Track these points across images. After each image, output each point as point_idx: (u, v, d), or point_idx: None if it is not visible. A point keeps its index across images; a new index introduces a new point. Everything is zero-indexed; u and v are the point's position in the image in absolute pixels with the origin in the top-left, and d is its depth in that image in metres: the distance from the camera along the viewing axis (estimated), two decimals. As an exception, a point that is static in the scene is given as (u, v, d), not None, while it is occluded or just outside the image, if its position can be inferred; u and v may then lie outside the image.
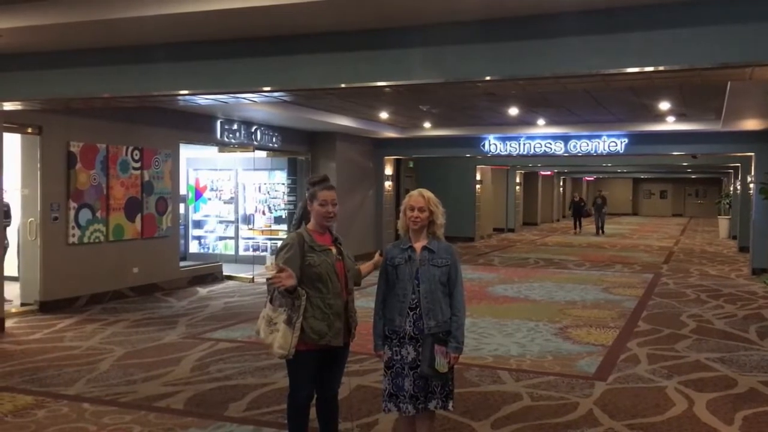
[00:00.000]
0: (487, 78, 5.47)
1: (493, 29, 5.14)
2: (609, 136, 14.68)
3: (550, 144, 15.29)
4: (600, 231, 25.00)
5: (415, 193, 3.78)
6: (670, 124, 13.55)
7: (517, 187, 26.70)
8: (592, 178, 43.83)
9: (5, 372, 6.10)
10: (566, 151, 15.23)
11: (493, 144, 15.61)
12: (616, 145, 14.77)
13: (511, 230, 25.54)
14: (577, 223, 25.95)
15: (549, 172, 31.79)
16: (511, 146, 15.55)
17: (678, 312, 9.38)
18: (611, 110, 12.42)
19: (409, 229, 3.75)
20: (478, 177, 21.44)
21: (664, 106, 11.56)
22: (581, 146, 15.04)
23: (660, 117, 13.02)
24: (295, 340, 3.61)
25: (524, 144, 15.43)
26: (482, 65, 5.33)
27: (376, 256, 3.93)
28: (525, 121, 14.02)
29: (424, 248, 3.71)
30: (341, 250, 3.86)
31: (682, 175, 39.16)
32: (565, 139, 15.09)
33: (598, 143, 14.86)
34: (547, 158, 18.78)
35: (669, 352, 7.05)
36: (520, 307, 9.65)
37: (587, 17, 4.90)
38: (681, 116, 12.84)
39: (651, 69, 5.01)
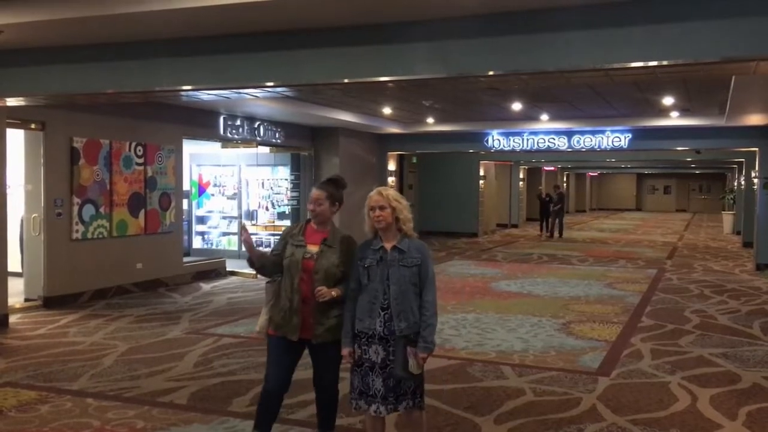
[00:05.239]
0: (491, 73, 5.45)
1: (496, 23, 5.12)
2: (613, 131, 14.65)
3: (554, 139, 15.27)
4: (558, 233, 21.18)
5: (374, 192, 3.71)
6: (674, 119, 13.51)
7: (521, 183, 26.66)
8: (596, 174, 43.77)
9: (9, 367, 6.12)
10: (570, 146, 15.21)
11: (496, 139, 15.59)
12: (620, 141, 14.75)
13: (515, 226, 25.51)
14: (545, 224, 21.79)
15: (553, 168, 31.75)
16: (514, 141, 15.52)
17: (682, 307, 9.36)
18: (615, 105, 12.39)
19: (378, 230, 3.68)
20: (481, 172, 21.42)
21: (668, 101, 11.52)
22: (585, 141, 15.02)
23: (664, 112, 12.99)
24: (263, 321, 3.95)
25: (528, 139, 15.41)
26: (485, 60, 5.31)
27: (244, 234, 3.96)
28: (528, 116, 14.00)
29: (395, 248, 3.64)
30: (323, 251, 3.84)
31: (686, 171, 39.09)
32: (569, 134, 15.07)
33: (602, 138, 14.83)
34: (551, 153, 18.76)
35: (672, 348, 7.04)
36: (524, 303, 9.65)
37: (591, 11, 4.87)
38: (685, 111, 12.80)
39: (655, 63, 5.00)
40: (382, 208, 3.63)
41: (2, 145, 7.90)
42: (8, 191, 8.25)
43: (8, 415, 4.85)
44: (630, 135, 14.67)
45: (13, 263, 8.95)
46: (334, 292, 3.77)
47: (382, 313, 3.60)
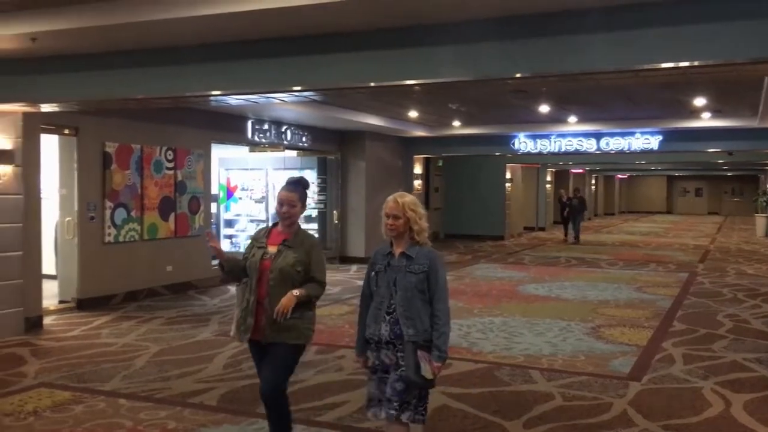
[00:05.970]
0: (518, 75, 5.43)
1: (523, 25, 5.10)
2: (642, 133, 14.45)
3: (582, 141, 15.11)
4: (575, 238, 20.53)
5: (390, 199, 3.60)
6: (706, 121, 13.29)
7: (548, 186, 26.45)
8: (625, 176, 43.25)
9: (44, 368, 6.24)
10: (598, 148, 15.03)
11: (523, 142, 15.49)
12: (650, 143, 14.54)
13: (542, 229, 25.32)
14: (569, 227, 21.12)
15: (581, 170, 31.44)
16: (541, 144, 15.41)
17: (714, 311, 9.21)
18: (644, 107, 12.24)
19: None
20: (507, 175, 21.31)
21: (699, 102, 11.35)
22: (614, 143, 14.83)
23: (695, 113, 12.79)
24: (233, 325, 3.94)
25: (555, 142, 15.29)
26: (512, 62, 5.29)
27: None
28: (556, 118, 13.89)
29: (402, 254, 3.56)
30: (281, 251, 3.83)
31: (718, 173, 38.45)
32: (598, 136, 14.90)
33: (632, 140, 14.64)
34: (579, 156, 18.58)
35: (705, 353, 6.93)
36: (552, 307, 9.57)
37: (619, 11, 4.82)
38: (716, 112, 12.59)
39: (686, 64, 4.92)
40: (395, 217, 3.54)
41: (37, 150, 8.07)
42: (43, 196, 8.43)
43: (43, 415, 4.95)
44: (660, 137, 14.46)
45: (48, 266, 9.13)
46: (296, 291, 3.73)
47: (387, 318, 3.53)
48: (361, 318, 3.69)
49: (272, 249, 3.88)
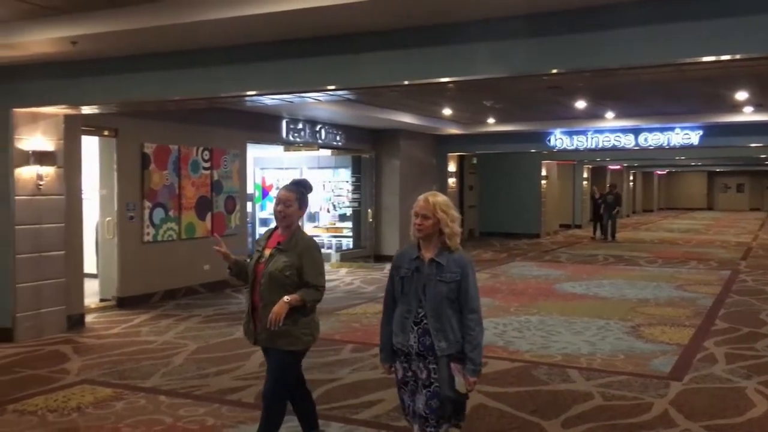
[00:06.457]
0: (553, 71, 5.36)
1: (559, 20, 5.03)
2: (682, 128, 14.16)
3: (620, 137, 14.88)
4: (611, 236, 20.04)
5: (421, 197, 3.38)
6: (748, 115, 12.94)
7: (584, 182, 26.10)
8: (663, 172, 42.46)
9: (86, 365, 6.38)
10: (637, 144, 14.78)
11: (559, 138, 15.32)
12: (690, 138, 14.26)
13: (578, 226, 24.99)
14: (598, 225, 20.67)
15: (618, 167, 30.96)
16: (578, 140, 15.22)
17: (757, 310, 8.99)
18: (684, 101, 11.99)
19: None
20: (543, 172, 21.10)
21: (741, 96, 11.06)
22: (653, 139, 14.58)
23: (736, 107, 12.46)
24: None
25: (592, 138, 15.08)
26: (547, 58, 5.22)
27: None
28: (593, 114, 13.69)
29: (432, 261, 3.32)
30: (273, 255, 3.77)
31: (760, 168, 37.43)
32: (636, 131, 14.65)
33: (671, 136, 14.37)
34: (617, 152, 18.27)
35: (748, 352, 6.76)
36: (590, 305, 9.44)
37: (657, 4, 4.73)
38: (759, 106, 12.27)
39: (727, 57, 4.81)
40: (425, 217, 3.31)
41: (78, 152, 8.25)
42: (84, 196, 8.61)
43: (86, 412, 5.05)
44: (701, 132, 14.16)
45: (89, 265, 9.32)
46: (288, 298, 3.66)
47: (415, 328, 3.33)
48: (384, 324, 3.50)
49: (267, 252, 3.81)
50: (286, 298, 3.67)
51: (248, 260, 3.96)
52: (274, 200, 3.84)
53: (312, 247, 3.84)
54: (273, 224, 4.04)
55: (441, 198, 3.37)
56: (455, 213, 3.37)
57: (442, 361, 3.28)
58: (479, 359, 3.31)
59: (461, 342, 3.30)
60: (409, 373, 3.40)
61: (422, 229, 3.33)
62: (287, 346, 3.75)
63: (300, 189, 3.87)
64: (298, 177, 4.15)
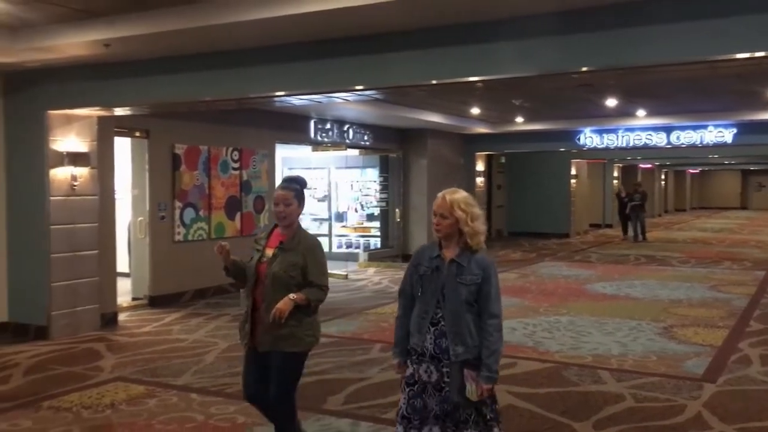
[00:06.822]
0: (584, 69, 5.31)
1: (589, 17, 4.97)
2: (716, 125, 13.91)
3: (651, 136, 14.66)
4: (642, 236, 19.58)
5: (440, 195, 3.23)
6: (783, 112, 12.69)
7: (615, 181, 25.77)
8: (696, 171, 41.75)
9: (119, 363, 6.48)
10: (669, 142, 14.56)
11: (588, 137, 15.16)
12: (724, 136, 13.99)
13: (609, 226, 24.69)
14: (627, 225, 20.35)
15: (649, 165, 30.51)
16: (608, 139, 15.04)
17: (795, 311, 8.80)
18: (718, 99, 11.76)
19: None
20: (573, 171, 20.88)
21: (776, 92, 10.84)
22: (685, 137, 14.34)
23: (772, 104, 12.22)
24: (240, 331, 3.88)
25: (623, 136, 14.89)
26: (578, 56, 5.16)
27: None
28: (624, 112, 13.50)
29: (453, 261, 3.19)
30: (276, 255, 3.69)
31: (796, 166, 36.64)
32: (668, 130, 14.42)
33: (704, 134, 14.12)
34: (648, 151, 18.02)
35: (785, 354, 6.62)
36: (621, 306, 9.32)
37: (687, 2, 4.65)
38: (795, 103, 12.01)
39: (762, 54, 4.70)
40: (442, 216, 3.18)
41: (111, 153, 8.39)
42: (116, 196, 8.75)
43: (119, 409, 5.13)
44: (735, 129, 13.89)
45: (122, 264, 9.47)
46: (293, 296, 3.59)
47: (432, 329, 3.20)
48: (400, 320, 3.37)
49: (269, 252, 3.73)
50: (291, 295, 3.60)
51: (252, 259, 3.86)
52: (273, 201, 3.77)
53: (315, 246, 3.78)
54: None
55: (460, 195, 3.21)
56: (476, 210, 3.21)
57: (454, 366, 3.16)
58: (495, 366, 3.16)
59: (479, 347, 3.16)
60: (416, 376, 3.26)
61: (440, 228, 3.20)
62: (290, 348, 3.68)
63: (296, 186, 3.79)
64: (293, 174, 4.03)
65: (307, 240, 3.76)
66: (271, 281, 3.64)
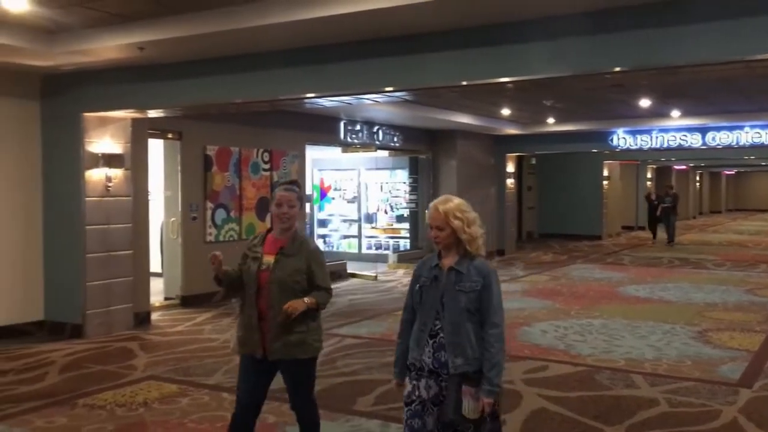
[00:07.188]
0: (616, 69, 5.25)
1: (621, 17, 4.91)
2: (752, 126, 13.62)
3: (686, 136, 14.40)
4: (670, 239, 18.87)
5: (431, 206, 3.12)
6: (822, 112, 12.39)
7: (648, 183, 25.39)
8: (732, 172, 40.93)
9: (153, 362, 6.57)
10: (704, 143, 14.29)
11: (622, 138, 14.95)
12: (761, 137, 13.69)
13: (642, 228, 24.33)
14: (657, 230, 19.85)
15: (684, 167, 30.00)
16: (642, 140, 14.81)
17: (835, 316, 8.56)
18: (755, 99, 11.52)
19: None
20: (605, 173, 20.62)
21: (817, 91, 10.57)
22: (721, 138, 14.06)
23: (811, 104, 11.93)
24: (233, 338, 3.77)
25: (657, 137, 14.65)
26: (610, 56, 5.10)
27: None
28: (657, 112, 13.30)
29: (451, 269, 3.07)
30: (278, 260, 3.57)
31: (836, 167, 35.67)
32: (703, 130, 14.15)
33: (740, 134, 13.83)
34: (683, 152, 17.71)
35: (826, 360, 6.45)
36: (654, 309, 9.17)
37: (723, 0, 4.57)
38: (836, 102, 11.70)
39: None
40: (439, 228, 3.07)
41: (145, 154, 8.52)
42: (149, 197, 8.88)
43: (152, 407, 5.20)
44: (772, 130, 13.59)
45: (154, 264, 9.60)
46: (306, 299, 3.50)
47: (430, 342, 3.07)
48: (402, 336, 3.25)
49: (269, 259, 3.60)
50: (305, 299, 3.52)
51: (248, 267, 3.68)
52: (275, 202, 3.62)
53: (318, 249, 3.72)
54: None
55: (453, 204, 3.10)
56: (471, 215, 3.11)
57: (452, 380, 3.01)
58: (497, 379, 2.99)
59: (479, 360, 3.01)
60: (416, 392, 3.10)
61: (440, 240, 3.10)
62: (303, 354, 3.61)
63: (297, 189, 3.70)
64: (292, 177, 4.00)
65: (308, 244, 3.69)
66: (278, 288, 3.54)
